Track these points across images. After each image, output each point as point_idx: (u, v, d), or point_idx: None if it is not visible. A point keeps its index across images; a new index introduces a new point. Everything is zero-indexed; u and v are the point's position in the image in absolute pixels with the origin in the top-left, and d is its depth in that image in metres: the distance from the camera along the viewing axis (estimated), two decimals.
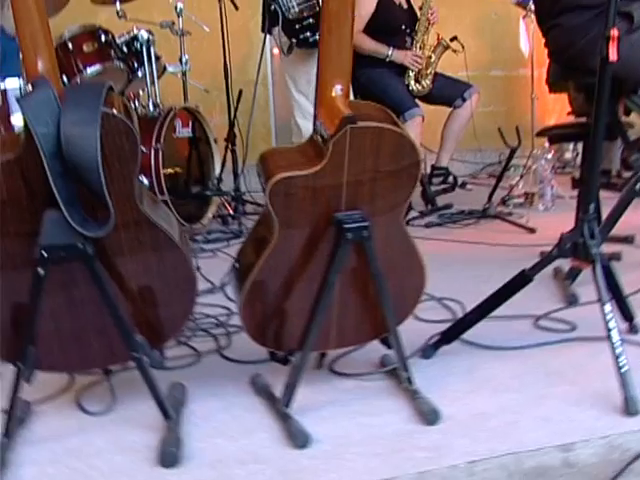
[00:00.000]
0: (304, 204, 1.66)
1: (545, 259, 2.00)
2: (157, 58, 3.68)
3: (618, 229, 2.54)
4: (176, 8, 3.78)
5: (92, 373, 1.91)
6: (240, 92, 3.73)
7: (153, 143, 3.36)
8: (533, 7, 2.72)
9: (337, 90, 1.66)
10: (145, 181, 3.31)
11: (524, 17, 4.33)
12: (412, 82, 3.96)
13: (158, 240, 1.67)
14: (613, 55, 1.83)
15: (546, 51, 2.60)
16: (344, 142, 1.62)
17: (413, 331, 1.97)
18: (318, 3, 3.00)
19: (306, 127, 3.08)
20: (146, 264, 1.68)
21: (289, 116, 3.45)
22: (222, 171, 3.78)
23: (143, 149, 3.32)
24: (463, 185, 4.31)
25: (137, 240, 1.65)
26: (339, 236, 1.67)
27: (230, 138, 3.83)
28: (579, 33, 2.36)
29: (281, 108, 4.56)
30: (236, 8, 3.87)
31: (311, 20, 2.94)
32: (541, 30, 2.57)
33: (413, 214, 3.75)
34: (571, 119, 4.19)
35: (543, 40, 2.59)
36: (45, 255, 1.53)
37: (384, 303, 1.76)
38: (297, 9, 2.95)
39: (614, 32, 1.82)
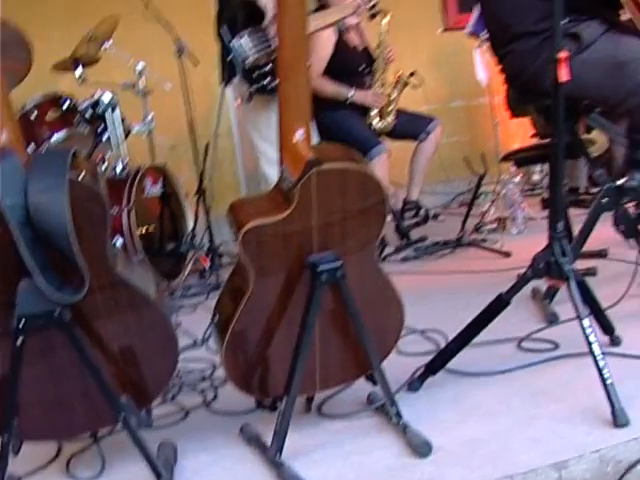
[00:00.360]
0: (276, 250, 1.70)
1: (520, 281, 2.03)
2: (122, 120, 3.72)
3: (591, 244, 2.57)
4: (137, 69, 3.83)
5: (80, 439, 1.88)
6: (207, 146, 3.75)
7: (124, 204, 3.38)
8: (487, 37, 2.76)
9: (299, 135, 1.71)
10: (120, 241, 3.30)
11: (478, 47, 4.40)
12: (375, 120, 4.03)
13: (135, 300, 1.68)
14: (563, 76, 1.88)
15: (502, 78, 2.64)
16: (310, 186, 1.67)
17: (398, 365, 1.99)
18: (274, 53, 2.95)
19: (273, 175, 3.06)
20: (125, 325, 1.69)
21: (257, 166, 3.48)
22: (195, 226, 3.79)
23: (114, 211, 3.33)
24: (435, 216, 4.35)
25: (114, 301, 1.66)
26: (314, 278, 1.70)
27: (200, 192, 3.82)
28: (530, 58, 2.41)
29: (248, 158, 4.53)
30: (195, 64, 3.92)
31: (269, 67, 2.93)
32: (496, 59, 2.64)
33: (388, 250, 3.79)
34: (535, 141, 4.31)
35: (499, 68, 2.62)
36: (22, 324, 1.54)
37: (364, 341, 1.78)
38: (253, 57, 2.93)
39: (562, 54, 1.87)
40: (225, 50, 2.95)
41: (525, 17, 2.43)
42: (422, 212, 4.20)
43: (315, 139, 3.12)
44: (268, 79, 2.95)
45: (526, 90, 2.51)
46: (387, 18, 3.92)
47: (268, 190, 1.86)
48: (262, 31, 2.92)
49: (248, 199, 2.09)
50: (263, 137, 3.15)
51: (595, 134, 3.70)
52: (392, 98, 4.07)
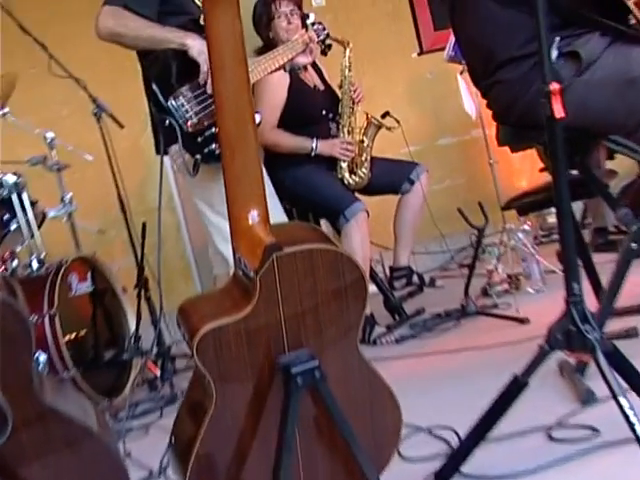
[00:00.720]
0: (240, 354, 1.77)
1: (536, 357, 2.05)
2: (32, 204, 3.69)
3: (628, 298, 2.58)
4: (46, 139, 3.85)
5: None
6: (144, 225, 3.77)
7: (45, 309, 3.35)
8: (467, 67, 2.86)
9: (253, 217, 1.81)
10: (43, 357, 3.24)
11: (461, 73, 4.52)
12: (346, 175, 4.09)
13: (70, 433, 1.71)
14: (559, 112, 1.96)
15: (490, 114, 2.72)
16: (272, 274, 1.75)
17: (401, 475, 2.01)
18: None
19: (231, 253, 3.07)
20: (60, 466, 1.71)
21: (209, 244, 3.39)
22: (138, 326, 3.78)
23: (33, 319, 3.28)
24: (432, 282, 4.41)
25: (44, 439, 1.68)
26: (288, 383, 1.77)
27: (141, 283, 3.83)
28: (521, 86, 2.48)
29: (198, 236, 4.63)
30: (121, 126, 3.96)
31: (213, 130, 2.91)
32: (480, 92, 2.73)
33: (379, 330, 3.83)
34: (545, 177, 4.31)
35: (484, 102, 2.71)
36: None
37: (356, 451, 1.83)
38: (196, 119, 2.93)
39: (553, 86, 1.96)
40: (158, 112, 2.97)
41: (511, 40, 2.50)
42: (415, 279, 4.23)
43: (276, 208, 3.18)
44: (214, 144, 2.95)
45: (520, 125, 2.58)
46: (348, 50, 4.03)
47: (222, 284, 1.96)
48: (200, 86, 2.95)
49: (200, 297, 2.16)
50: (216, 210, 3.15)
51: (619, 161, 3.71)
52: (365, 146, 4.14)
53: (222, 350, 1.74)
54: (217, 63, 1.75)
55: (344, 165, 4.08)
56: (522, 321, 3.51)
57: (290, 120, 4.02)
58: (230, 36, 1.76)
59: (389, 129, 4.19)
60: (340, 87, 4.13)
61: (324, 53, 3.61)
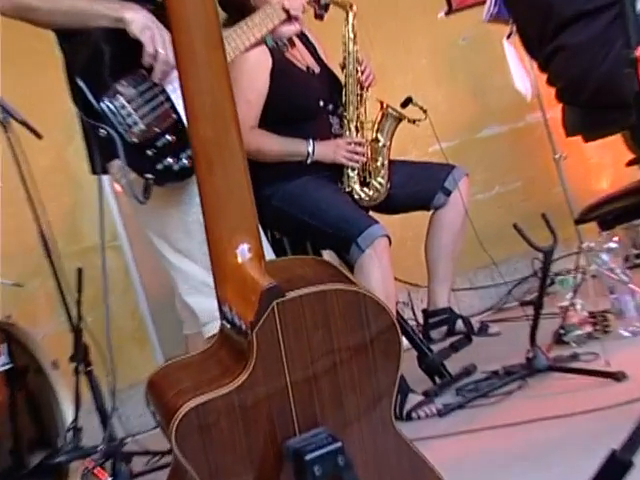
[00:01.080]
0: (234, 439, 1.81)
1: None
2: None
3: None
4: None
5: None
6: (79, 272, 3.79)
7: None
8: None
9: (243, 252, 1.87)
10: None
11: (509, 37, 4.55)
12: (357, 187, 4.09)
13: None
14: None
15: (552, 92, 2.81)
16: (273, 327, 1.79)
17: None
18: (174, 108, 2.99)
19: (203, 306, 2.90)
20: None
21: (170, 293, 3.40)
22: (78, 413, 3.75)
23: None
24: (484, 329, 4.40)
25: None
26: (301, 475, 1.80)
27: (80, 353, 3.83)
28: (594, 53, 2.57)
29: (153, 280, 4.67)
30: (38, 136, 3.96)
31: (169, 137, 2.90)
32: (537, 63, 2.83)
33: (414, 399, 3.81)
34: (635, 174, 4.19)
35: (544, 77, 2.81)
36: None
37: None
38: (143, 124, 2.90)
39: None
40: (88, 117, 2.92)
41: None
42: (460, 325, 4.23)
43: (267, 252, 2.94)
44: (170, 158, 2.93)
45: (595, 105, 2.68)
46: (351, 15, 4.06)
47: (201, 346, 2.02)
48: (145, 77, 2.95)
49: (175, 365, 2.12)
50: (177, 248, 3.15)
51: None
52: (380, 146, 4.14)
53: (210, 434, 1.77)
54: (185, 48, 1.80)
55: (353, 174, 4.09)
56: (615, 377, 3.46)
57: (275, 116, 4.04)
58: (200, 10, 1.79)
59: (413, 122, 4.19)
60: (343, 68, 4.14)
61: (319, 17, 3.66)
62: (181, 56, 1.85)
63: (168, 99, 3.00)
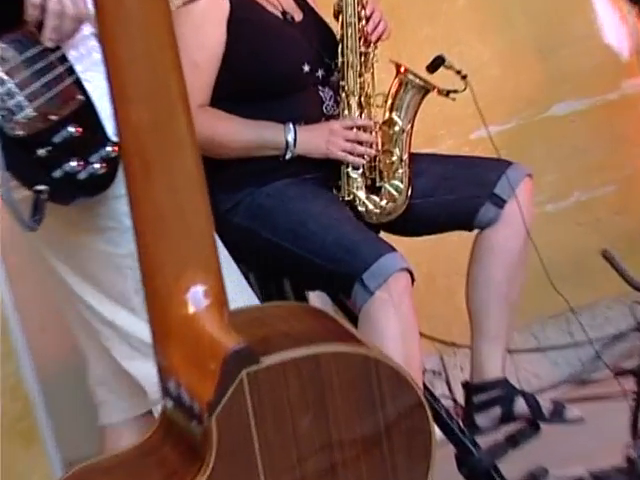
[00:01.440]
0: None
1: None
2: None
3: None
4: None
5: None
6: None
7: None
8: None
9: (196, 298, 1.73)
10: None
11: None
12: (361, 194, 3.44)
13: None
14: None
15: None
16: (242, 408, 1.67)
17: None
18: (79, 85, 2.72)
19: (152, 375, 2.57)
20: None
21: (76, 358, 3.10)
22: None
23: None
24: (557, 413, 3.67)
25: None
26: None
27: None
28: None
29: (45, 337, 4.13)
30: None
31: (71, 129, 2.58)
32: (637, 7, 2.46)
33: None
34: None
35: None
36: None
37: None
38: (31, 109, 2.57)
39: None
40: None
41: None
42: (520, 407, 3.54)
43: (228, 272, 2.66)
44: (74, 161, 2.59)
45: None
46: None
47: (131, 441, 1.96)
48: (34, 41, 2.59)
49: (93, 469, 1.92)
50: (108, 293, 2.85)
51: None
52: (395, 131, 3.47)
53: None
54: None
55: (356, 175, 3.43)
56: None
57: (236, 88, 3.40)
58: None
59: (446, 94, 3.52)
60: (338, 14, 3.47)
61: None
62: (102, 5, 1.70)
63: (71, 71, 2.75)
